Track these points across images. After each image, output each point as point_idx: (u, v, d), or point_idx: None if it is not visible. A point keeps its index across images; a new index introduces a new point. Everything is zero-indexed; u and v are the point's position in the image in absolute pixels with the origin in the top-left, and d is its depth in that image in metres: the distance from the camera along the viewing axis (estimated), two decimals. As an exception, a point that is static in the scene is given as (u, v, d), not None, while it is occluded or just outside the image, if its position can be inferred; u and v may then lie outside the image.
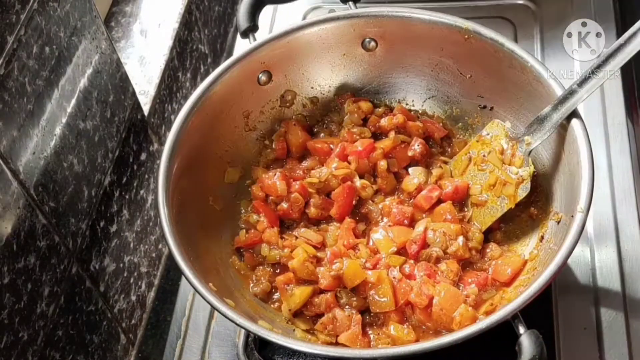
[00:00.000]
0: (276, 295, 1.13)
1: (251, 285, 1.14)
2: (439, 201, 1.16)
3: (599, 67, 0.98)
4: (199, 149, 1.16)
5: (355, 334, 1.04)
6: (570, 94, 1.02)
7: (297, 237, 1.16)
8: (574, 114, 1.04)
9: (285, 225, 1.20)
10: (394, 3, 1.39)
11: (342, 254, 1.11)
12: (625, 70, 1.41)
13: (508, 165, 1.12)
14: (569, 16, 1.47)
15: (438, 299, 1.02)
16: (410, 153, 1.22)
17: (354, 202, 1.18)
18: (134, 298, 1.23)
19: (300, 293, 1.09)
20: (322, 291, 1.09)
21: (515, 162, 1.11)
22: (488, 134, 1.16)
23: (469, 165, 1.18)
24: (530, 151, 1.10)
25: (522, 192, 1.10)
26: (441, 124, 1.27)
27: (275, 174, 1.19)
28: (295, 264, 1.10)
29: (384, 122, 1.24)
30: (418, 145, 1.22)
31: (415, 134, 1.23)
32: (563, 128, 1.06)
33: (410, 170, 1.22)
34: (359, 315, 1.06)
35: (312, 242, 1.14)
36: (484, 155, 1.15)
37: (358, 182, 1.19)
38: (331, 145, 1.24)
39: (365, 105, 1.27)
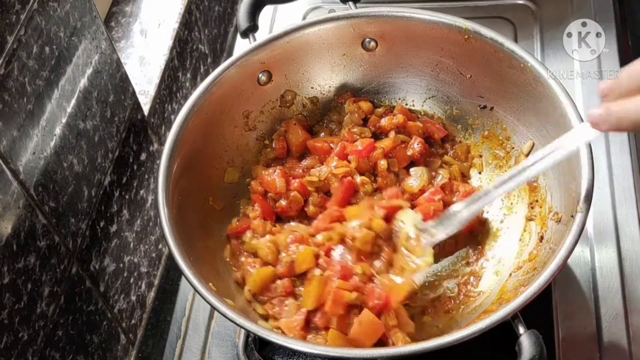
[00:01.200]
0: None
1: (234, 270, 1.14)
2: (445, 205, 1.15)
3: (519, 172, 0.99)
4: (199, 149, 1.16)
5: (294, 324, 1.04)
6: (484, 194, 1.03)
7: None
8: (574, 113, 1.04)
9: (283, 222, 1.20)
10: (394, 3, 1.39)
11: (304, 240, 1.11)
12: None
13: (410, 253, 1.09)
14: (569, 16, 1.47)
15: (357, 323, 1.01)
16: (409, 152, 1.22)
17: (352, 198, 1.18)
18: (134, 298, 1.23)
19: (257, 273, 1.09)
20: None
21: (416, 251, 1.07)
22: (402, 222, 1.11)
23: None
24: (434, 244, 1.07)
25: (417, 279, 1.06)
26: (441, 124, 1.27)
27: (275, 171, 1.20)
28: (258, 244, 1.11)
29: (384, 122, 1.24)
30: (417, 145, 1.22)
31: (415, 133, 1.23)
32: (563, 129, 1.06)
33: (411, 171, 1.21)
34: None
35: (300, 233, 1.14)
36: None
37: (358, 178, 1.19)
38: (331, 145, 1.24)
39: (365, 105, 1.27)
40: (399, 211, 1.12)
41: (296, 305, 1.07)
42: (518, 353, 0.89)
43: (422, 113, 1.29)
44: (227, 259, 1.15)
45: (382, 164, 1.20)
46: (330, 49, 1.25)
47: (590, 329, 1.12)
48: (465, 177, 1.24)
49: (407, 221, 1.10)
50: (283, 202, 1.18)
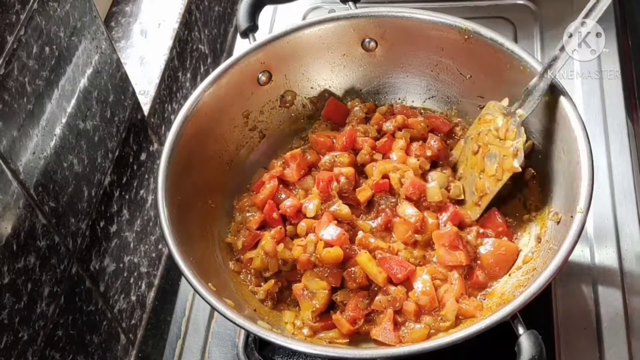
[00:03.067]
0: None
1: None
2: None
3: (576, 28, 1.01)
4: (199, 148, 1.16)
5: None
6: (553, 60, 1.05)
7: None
8: (574, 113, 1.04)
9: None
10: (394, 3, 1.39)
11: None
12: (625, 70, 1.41)
13: (504, 140, 1.11)
14: (569, 16, 1.47)
15: None
16: (428, 152, 1.19)
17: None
18: (134, 298, 1.23)
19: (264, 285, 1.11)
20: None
21: (509, 136, 1.10)
22: (488, 114, 1.15)
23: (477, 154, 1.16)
24: (523, 122, 1.10)
25: (517, 163, 1.08)
26: (444, 118, 1.26)
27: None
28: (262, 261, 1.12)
29: (387, 126, 1.23)
30: (435, 142, 1.21)
31: (417, 129, 1.23)
32: (563, 128, 1.06)
33: (430, 175, 1.19)
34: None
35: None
36: (480, 134, 1.15)
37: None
38: (333, 140, 1.23)
39: (367, 103, 1.28)
40: (486, 105, 1.16)
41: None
42: (517, 353, 0.89)
43: (423, 109, 1.28)
44: (232, 268, 1.15)
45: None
46: (330, 49, 1.25)
47: (590, 329, 1.13)
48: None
49: (494, 111, 1.13)
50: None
